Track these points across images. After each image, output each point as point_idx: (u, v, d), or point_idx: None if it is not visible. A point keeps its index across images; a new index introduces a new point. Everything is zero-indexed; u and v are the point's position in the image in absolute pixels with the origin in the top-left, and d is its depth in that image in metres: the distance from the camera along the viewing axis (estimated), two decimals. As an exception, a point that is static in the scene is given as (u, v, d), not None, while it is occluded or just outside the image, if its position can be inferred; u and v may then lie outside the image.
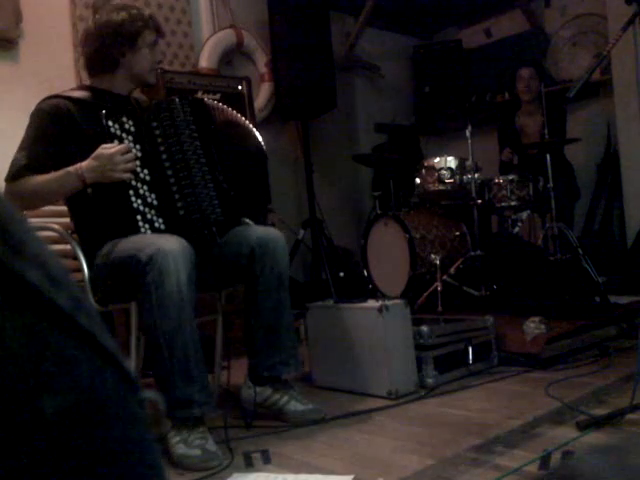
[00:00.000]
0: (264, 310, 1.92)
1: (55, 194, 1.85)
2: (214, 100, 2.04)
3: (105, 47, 1.91)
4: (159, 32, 2.00)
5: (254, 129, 2.08)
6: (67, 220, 2.01)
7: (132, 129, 1.83)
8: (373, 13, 4.94)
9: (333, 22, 4.31)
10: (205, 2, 3.97)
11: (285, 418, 1.91)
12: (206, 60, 3.81)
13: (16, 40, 2.99)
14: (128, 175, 1.77)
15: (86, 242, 1.89)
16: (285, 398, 1.93)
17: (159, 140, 1.85)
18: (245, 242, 1.91)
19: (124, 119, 1.82)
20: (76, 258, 1.87)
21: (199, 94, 3.38)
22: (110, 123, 1.80)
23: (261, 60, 4.15)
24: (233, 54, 4.07)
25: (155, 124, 1.86)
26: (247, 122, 2.08)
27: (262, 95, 4.11)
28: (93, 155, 1.76)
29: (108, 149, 1.76)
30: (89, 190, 1.81)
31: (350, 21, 5.07)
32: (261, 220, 2.19)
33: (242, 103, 3.56)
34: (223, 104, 2.05)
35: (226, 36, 3.95)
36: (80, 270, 1.85)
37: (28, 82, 2.93)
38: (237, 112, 2.06)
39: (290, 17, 3.98)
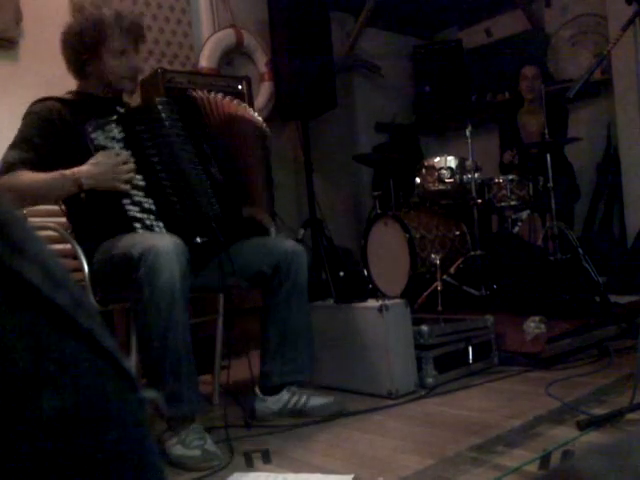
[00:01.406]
0: (285, 318, 1.97)
1: (46, 196, 1.81)
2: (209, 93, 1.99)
3: (70, 54, 1.89)
4: (133, 36, 1.88)
5: (250, 111, 2.05)
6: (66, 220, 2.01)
7: (120, 135, 1.80)
8: (373, 13, 4.95)
9: (333, 22, 4.30)
10: (205, 2, 3.97)
11: (309, 415, 1.93)
12: (206, 60, 3.80)
13: (16, 40, 2.99)
14: (128, 186, 1.77)
15: (84, 242, 1.88)
16: (304, 397, 1.97)
17: (148, 144, 1.82)
18: (272, 252, 1.97)
19: (111, 126, 1.78)
20: (76, 258, 1.86)
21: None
22: (93, 135, 1.76)
23: (261, 60, 4.14)
24: (233, 54, 4.07)
25: (142, 127, 1.82)
26: (242, 106, 2.04)
27: (262, 95, 4.11)
28: (93, 161, 1.74)
29: (111, 158, 1.74)
30: (82, 195, 1.79)
31: (350, 21, 5.07)
32: (271, 208, 2.15)
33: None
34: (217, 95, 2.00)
35: (226, 36, 3.95)
36: (80, 270, 1.85)
37: (28, 82, 2.93)
38: (232, 99, 2.03)
39: (290, 17, 3.97)
